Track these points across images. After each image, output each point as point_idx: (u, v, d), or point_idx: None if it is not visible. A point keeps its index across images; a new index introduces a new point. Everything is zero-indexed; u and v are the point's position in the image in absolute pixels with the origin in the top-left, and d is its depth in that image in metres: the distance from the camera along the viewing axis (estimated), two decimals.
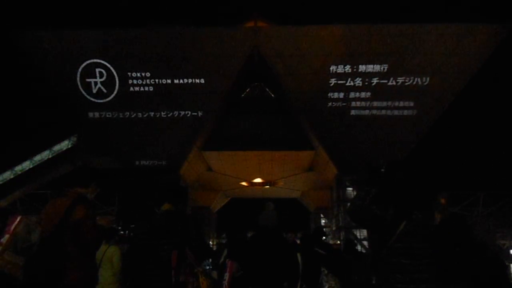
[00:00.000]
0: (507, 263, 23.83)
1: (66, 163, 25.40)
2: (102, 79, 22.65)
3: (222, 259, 5.49)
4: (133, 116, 23.33)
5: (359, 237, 24.03)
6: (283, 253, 4.24)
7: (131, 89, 22.85)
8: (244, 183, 32.85)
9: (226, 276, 5.16)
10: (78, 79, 22.52)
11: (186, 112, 23.23)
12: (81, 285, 2.93)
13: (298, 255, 4.82)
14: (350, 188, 25.36)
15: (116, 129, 23.42)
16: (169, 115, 23.31)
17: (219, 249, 7.90)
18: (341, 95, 22.68)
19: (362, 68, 22.12)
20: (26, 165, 25.86)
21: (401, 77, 22.19)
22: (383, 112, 22.93)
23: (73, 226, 2.94)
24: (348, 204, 22.42)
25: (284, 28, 22.55)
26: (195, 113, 23.19)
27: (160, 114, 23.30)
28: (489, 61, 22.12)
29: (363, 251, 20.83)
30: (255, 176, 31.38)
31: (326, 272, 6.53)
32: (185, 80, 22.61)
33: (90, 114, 23.34)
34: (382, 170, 2.63)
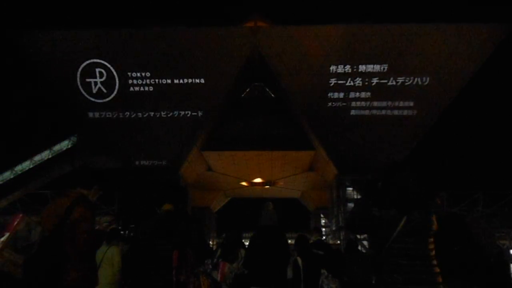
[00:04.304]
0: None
1: (66, 163, 25.39)
2: (102, 79, 22.65)
3: (215, 259, 5.52)
4: (133, 116, 23.32)
5: (359, 237, 24.02)
6: (283, 251, 4.25)
7: (131, 89, 22.85)
8: (244, 183, 32.86)
9: (218, 276, 5.19)
10: (78, 79, 22.52)
11: (186, 112, 23.22)
12: (78, 286, 2.92)
13: (298, 258, 4.83)
14: (350, 188, 25.35)
15: (116, 129, 23.42)
16: (169, 115, 23.31)
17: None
18: (341, 95, 22.68)
19: (362, 68, 22.12)
20: (26, 165, 25.84)
21: (401, 77, 22.19)
22: (383, 112, 22.93)
23: (70, 226, 2.94)
24: (348, 203, 22.38)
25: (284, 28, 22.54)
26: (195, 113, 23.19)
27: (160, 114, 23.30)
28: (489, 61, 22.14)
29: (363, 250, 20.84)
30: (255, 176, 31.38)
31: (326, 274, 6.52)
32: (185, 80, 22.61)
33: (90, 114, 23.34)
34: (379, 183, 2.67)
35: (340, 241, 24.16)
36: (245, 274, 5.14)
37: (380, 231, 2.56)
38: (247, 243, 6.46)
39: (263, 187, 33.85)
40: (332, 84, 22.46)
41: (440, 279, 2.48)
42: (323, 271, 6.32)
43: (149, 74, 22.62)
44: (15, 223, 2.89)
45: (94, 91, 22.85)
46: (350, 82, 22.38)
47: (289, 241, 5.31)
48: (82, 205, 3.06)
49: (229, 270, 5.12)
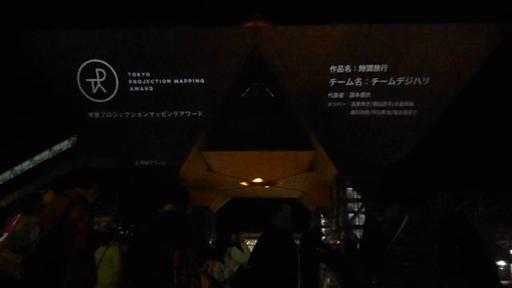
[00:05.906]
0: (506, 263, 23.86)
1: (66, 163, 25.39)
2: (102, 79, 22.64)
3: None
4: (133, 116, 23.31)
5: (359, 237, 24.01)
6: (291, 256, 4.23)
7: (131, 89, 22.84)
8: (244, 183, 32.84)
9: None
10: (78, 79, 22.51)
11: (186, 112, 23.21)
12: (77, 285, 2.91)
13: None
14: (350, 188, 25.33)
15: (116, 129, 23.41)
16: (169, 115, 23.30)
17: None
18: (341, 95, 22.67)
19: (362, 68, 22.11)
20: (26, 165, 25.84)
21: (401, 77, 22.18)
22: (383, 112, 22.92)
23: (68, 226, 2.93)
24: (348, 203, 22.26)
25: (284, 28, 22.53)
26: (195, 113, 23.18)
27: (160, 114, 23.29)
28: (489, 61, 22.14)
29: None
30: (255, 176, 31.37)
31: (324, 266, 6.53)
32: (185, 80, 22.60)
33: (90, 114, 23.33)
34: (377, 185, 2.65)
35: (340, 241, 24.14)
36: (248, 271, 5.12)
37: (380, 235, 2.54)
38: (248, 243, 6.47)
39: (263, 187, 33.83)
40: (332, 84, 22.45)
41: (442, 281, 2.46)
42: (321, 264, 6.33)
43: (149, 74, 22.61)
44: (14, 223, 2.88)
45: (94, 91, 22.83)
46: (350, 82, 22.37)
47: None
48: (81, 205, 3.04)
49: (219, 269, 5.10)
